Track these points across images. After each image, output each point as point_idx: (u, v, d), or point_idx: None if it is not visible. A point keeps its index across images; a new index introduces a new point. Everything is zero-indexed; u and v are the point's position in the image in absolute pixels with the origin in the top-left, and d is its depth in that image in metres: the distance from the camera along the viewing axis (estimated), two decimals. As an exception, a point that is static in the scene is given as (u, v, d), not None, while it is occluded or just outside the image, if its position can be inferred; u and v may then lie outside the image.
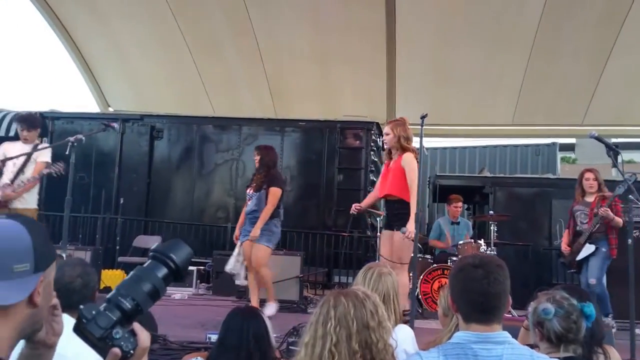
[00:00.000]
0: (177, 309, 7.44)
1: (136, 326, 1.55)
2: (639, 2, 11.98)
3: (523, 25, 12.92)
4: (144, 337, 1.55)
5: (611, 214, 7.09)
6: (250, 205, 7.14)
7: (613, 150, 5.59)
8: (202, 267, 10.01)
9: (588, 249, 7.31)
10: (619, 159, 5.74)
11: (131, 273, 1.62)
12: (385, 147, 6.52)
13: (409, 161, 6.12)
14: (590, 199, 7.43)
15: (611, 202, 7.14)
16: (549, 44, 13.05)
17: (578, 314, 2.62)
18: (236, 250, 7.18)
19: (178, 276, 1.65)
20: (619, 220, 7.13)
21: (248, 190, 7.27)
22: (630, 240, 5.40)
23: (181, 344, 5.11)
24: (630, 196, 5.58)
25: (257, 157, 7.26)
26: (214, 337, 4.89)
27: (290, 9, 13.56)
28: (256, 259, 6.87)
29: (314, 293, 9.41)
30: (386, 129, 6.38)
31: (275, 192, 7.00)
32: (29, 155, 7.06)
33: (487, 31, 13.16)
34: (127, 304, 1.53)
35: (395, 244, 6.09)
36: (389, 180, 6.25)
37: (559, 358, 2.57)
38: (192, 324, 6.24)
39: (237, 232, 7.36)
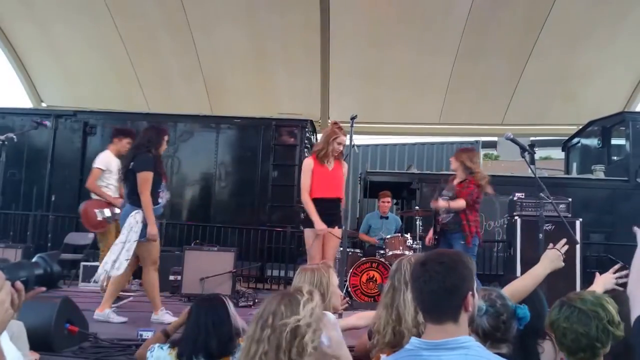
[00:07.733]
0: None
1: None
2: (557, 6, 12.61)
3: (450, 28, 13.38)
4: None
5: (442, 204, 6.98)
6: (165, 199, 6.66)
7: (527, 151, 5.91)
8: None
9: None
10: (534, 158, 6.11)
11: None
12: (335, 149, 6.61)
13: (347, 168, 6.84)
14: (456, 181, 7.24)
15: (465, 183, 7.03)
16: (474, 46, 13.55)
17: (509, 315, 2.67)
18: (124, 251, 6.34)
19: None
20: (459, 204, 6.90)
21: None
22: (541, 235, 5.69)
23: (112, 341, 5.04)
24: (540, 193, 5.95)
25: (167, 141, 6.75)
26: (145, 334, 4.84)
27: (227, 7, 13.61)
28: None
29: (247, 286, 9.62)
30: (343, 138, 6.67)
31: None
32: None
33: (416, 33, 13.59)
34: None
35: (337, 241, 6.69)
36: (335, 183, 6.67)
37: None
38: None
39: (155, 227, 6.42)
